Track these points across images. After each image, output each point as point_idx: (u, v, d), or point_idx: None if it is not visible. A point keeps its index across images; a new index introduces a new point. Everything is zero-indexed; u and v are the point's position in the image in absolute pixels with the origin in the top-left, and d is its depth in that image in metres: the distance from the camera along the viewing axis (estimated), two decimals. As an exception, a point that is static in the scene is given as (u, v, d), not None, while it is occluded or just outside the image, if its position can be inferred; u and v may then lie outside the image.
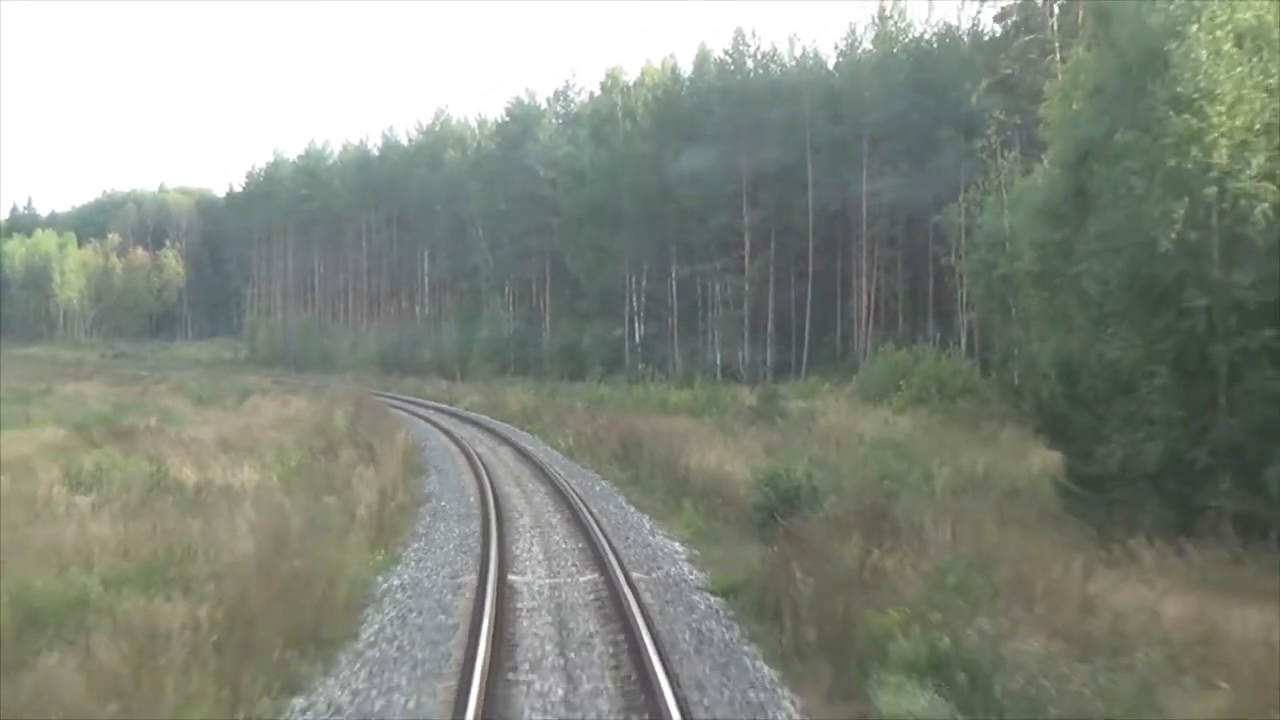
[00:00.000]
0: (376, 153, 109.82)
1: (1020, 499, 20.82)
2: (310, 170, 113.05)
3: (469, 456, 30.06)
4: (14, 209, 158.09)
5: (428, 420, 44.35)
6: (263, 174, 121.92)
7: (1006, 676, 8.46)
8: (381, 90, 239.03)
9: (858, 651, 9.91)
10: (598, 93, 79.21)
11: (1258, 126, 17.04)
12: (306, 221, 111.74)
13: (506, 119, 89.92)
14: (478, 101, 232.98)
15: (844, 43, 66.80)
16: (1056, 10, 40.59)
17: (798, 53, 68.72)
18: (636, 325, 68.73)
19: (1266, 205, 16.69)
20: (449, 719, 9.25)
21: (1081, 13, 34.64)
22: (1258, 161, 16.84)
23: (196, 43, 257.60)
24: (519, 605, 13.65)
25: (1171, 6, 18.17)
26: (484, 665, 10.36)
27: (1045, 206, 21.29)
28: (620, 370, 62.88)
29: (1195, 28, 17.61)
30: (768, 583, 12.87)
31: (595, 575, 15.18)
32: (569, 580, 15.12)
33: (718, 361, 61.01)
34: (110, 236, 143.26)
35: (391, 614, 13.22)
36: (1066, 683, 8.15)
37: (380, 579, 15.02)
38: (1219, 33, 17.46)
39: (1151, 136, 17.41)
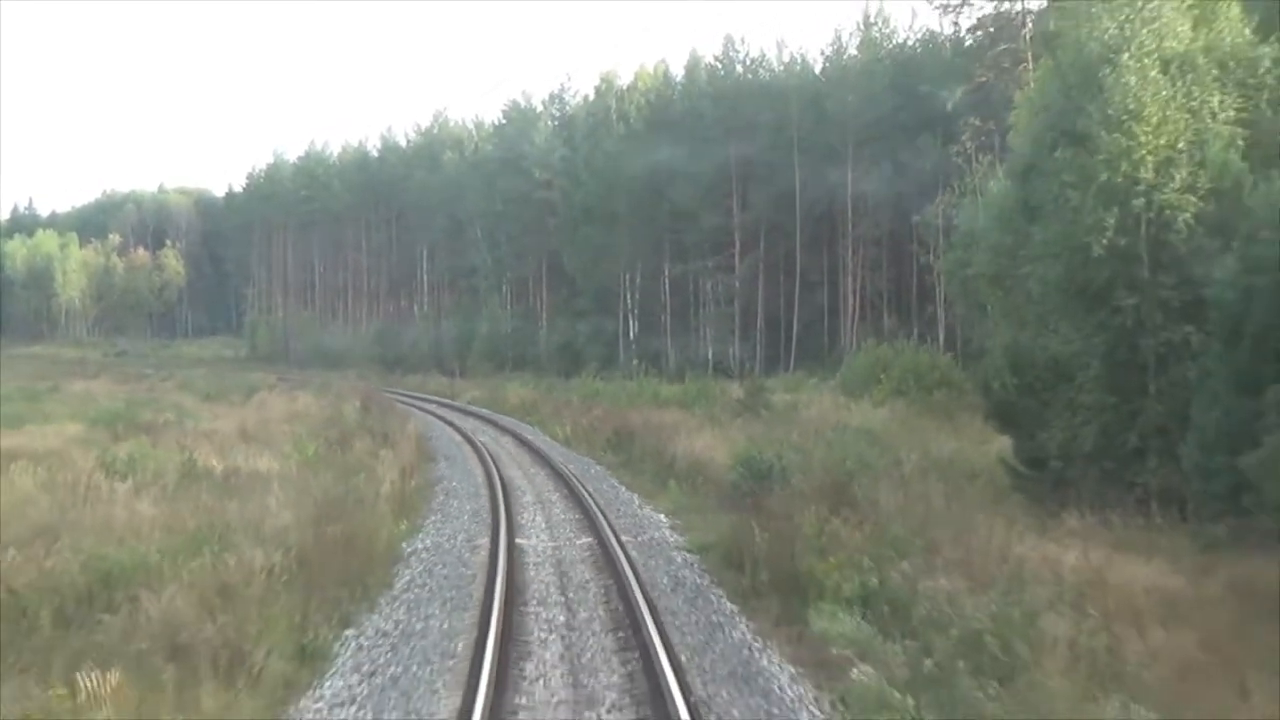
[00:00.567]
0: (375, 154, 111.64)
1: (979, 480, 22.81)
2: (310, 171, 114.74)
3: (474, 445, 32.21)
4: (15, 209, 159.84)
5: (432, 414, 46.23)
6: (263, 175, 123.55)
7: (919, 606, 10.56)
8: (380, 92, 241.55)
9: (802, 590, 12.17)
10: (592, 96, 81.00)
11: (1180, 145, 18.98)
12: (306, 221, 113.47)
13: (503, 121, 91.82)
14: (475, 104, 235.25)
15: (830, 48, 69.42)
16: (1029, 22, 42.57)
17: (785, 58, 70.71)
18: (631, 322, 70.61)
19: (1188, 215, 18.63)
20: (476, 634, 11.54)
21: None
22: (1180, 176, 18.77)
23: (194, 44, 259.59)
24: (526, 561, 16.00)
25: (1106, 35, 20.15)
26: (501, 600, 12.67)
27: (999, 213, 23.33)
28: (615, 366, 64.50)
29: (1126, 55, 19.59)
30: (734, 542, 15.35)
31: (590, 539, 17.54)
32: (568, 542, 17.52)
33: (709, 357, 62.70)
34: (111, 236, 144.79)
35: (419, 569, 15.55)
36: (964, 610, 10.25)
37: (405, 544, 17.25)
38: (1147, 59, 19.43)
39: (1087, 153, 19.42)
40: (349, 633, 11.95)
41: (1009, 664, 8.97)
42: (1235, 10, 21.05)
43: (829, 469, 19.37)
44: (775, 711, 9.51)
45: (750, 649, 11.35)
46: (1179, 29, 20.06)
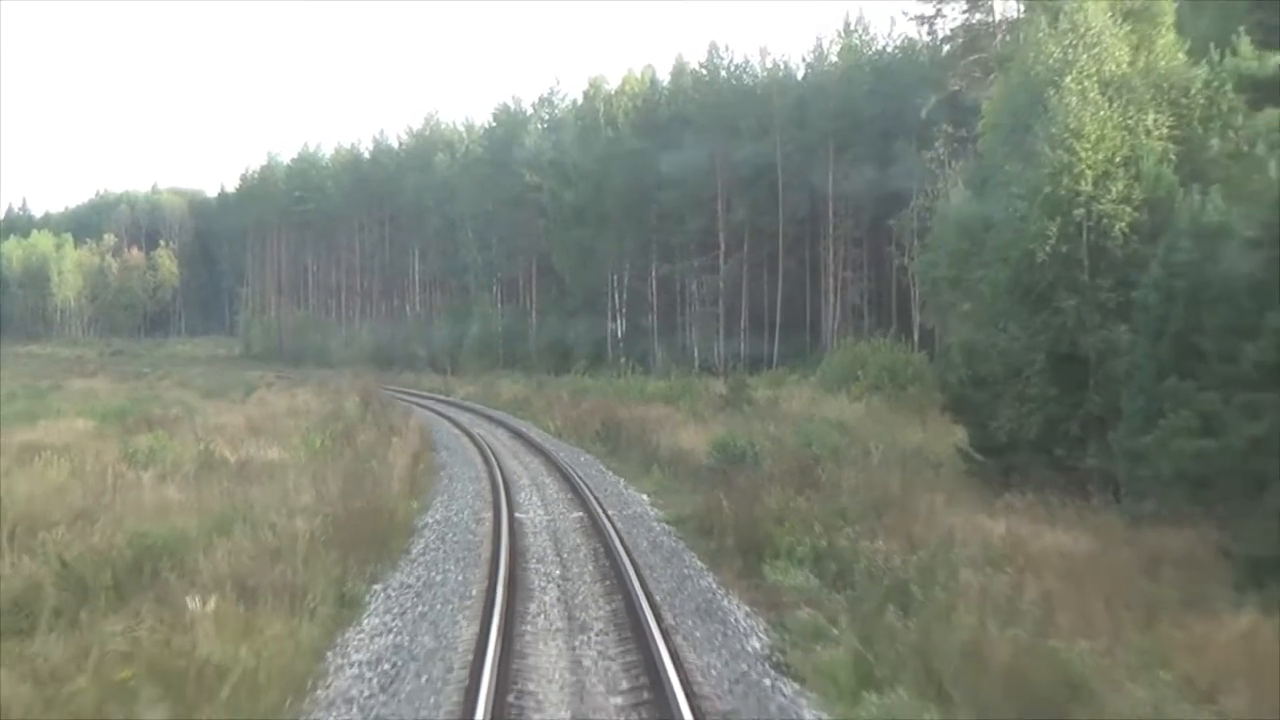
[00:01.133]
0: (368, 155, 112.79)
1: (942, 469, 24.70)
2: (303, 172, 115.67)
3: (471, 436, 34.21)
4: (9, 210, 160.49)
5: (429, 409, 48.01)
6: (256, 176, 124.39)
7: (860, 563, 12.49)
8: (372, 95, 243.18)
9: (761, 551, 14.13)
10: (580, 100, 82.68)
11: (1117, 159, 20.92)
12: (300, 222, 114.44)
13: (494, 124, 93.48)
14: (467, 106, 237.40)
15: (812, 54, 70.76)
16: (999, 33, 44.36)
17: (768, 64, 72.32)
18: (619, 321, 72.30)
19: (1124, 224, 20.58)
20: (486, 583, 13.65)
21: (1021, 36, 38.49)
22: (1117, 188, 20.70)
23: (187, 45, 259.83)
24: (525, 530, 18.17)
25: (1051, 60, 22.09)
26: (506, 559, 14.81)
27: (958, 221, 25.24)
28: (604, 364, 65.96)
29: (1069, 78, 21.54)
30: (706, 515, 17.58)
31: (580, 513, 19.70)
32: (561, 516, 19.70)
33: (695, 355, 64.49)
34: (107, 237, 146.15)
35: (432, 537, 17.66)
36: (896, 566, 12.17)
37: (417, 519, 19.32)
38: (1087, 82, 21.40)
39: (1033, 167, 21.36)
40: (377, 587, 13.99)
41: (929, 606, 10.81)
42: (1170, 36, 23.03)
43: (797, 455, 21.26)
44: (730, 634, 11.74)
45: (714, 593, 13.65)
46: (1118, 54, 22.04)
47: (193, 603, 10.14)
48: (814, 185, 61.65)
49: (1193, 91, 21.95)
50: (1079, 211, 20.68)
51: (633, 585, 13.24)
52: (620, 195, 68.77)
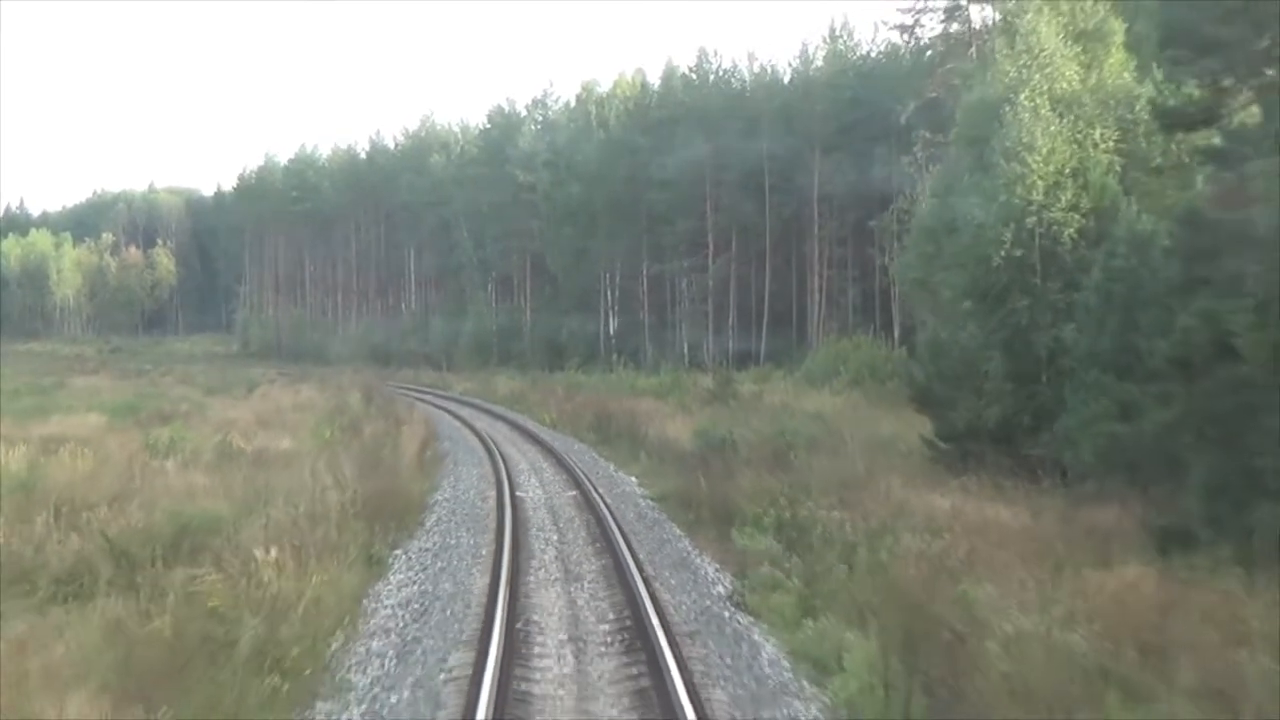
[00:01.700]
0: (364, 156, 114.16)
1: (911, 457, 26.57)
2: (300, 173, 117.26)
3: (471, 428, 36.30)
4: (7, 209, 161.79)
5: (429, 403, 49.89)
6: (254, 176, 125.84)
7: (816, 530, 14.40)
8: (369, 96, 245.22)
9: (732, 521, 16.04)
10: (573, 103, 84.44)
11: (1066, 171, 22.74)
12: (297, 221, 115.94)
13: (488, 125, 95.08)
14: (462, 108, 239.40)
15: (797, 60, 72.67)
16: (974, 44, 46.08)
17: (755, 69, 74.43)
18: (611, 319, 74.21)
19: (1072, 230, 22.40)
20: (494, 546, 15.74)
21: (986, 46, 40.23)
22: (1066, 198, 22.51)
23: (183, 45, 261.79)
24: (526, 505, 20.39)
25: (1006, 79, 23.94)
26: (511, 527, 16.91)
27: (924, 227, 27.11)
28: (596, 360, 67.68)
29: (1024, 95, 23.36)
30: (686, 492, 19.69)
31: (574, 492, 21.87)
32: (557, 494, 21.93)
33: (685, 352, 66.19)
34: (105, 236, 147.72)
35: (443, 512, 19.78)
36: (845, 530, 14.08)
37: (428, 498, 21.36)
38: (1039, 99, 23.22)
39: (990, 178, 23.20)
40: (398, 551, 16.11)
41: (874, 566, 12.68)
42: (1120, 55, 24.88)
43: (772, 443, 23.18)
44: (700, 583, 13.91)
45: (689, 553, 16.02)
46: (1068, 73, 23.87)
47: (259, 552, 12.02)
48: (800, 187, 63.57)
49: (1137, 108, 23.78)
50: (1031, 219, 22.48)
51: (619, 546, 15.38)
52: (612, 195, 70.51)
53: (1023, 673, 8.23)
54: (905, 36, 53.98)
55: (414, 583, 14.08)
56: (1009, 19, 26.54)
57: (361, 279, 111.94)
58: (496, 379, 60.90)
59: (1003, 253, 22.48)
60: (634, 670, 10.32)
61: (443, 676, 10.14)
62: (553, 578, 14.32)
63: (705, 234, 67.80)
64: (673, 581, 13.92)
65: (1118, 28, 25.69)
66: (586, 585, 13.85)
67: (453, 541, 16.86)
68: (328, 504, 15.98)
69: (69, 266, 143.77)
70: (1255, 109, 15.34)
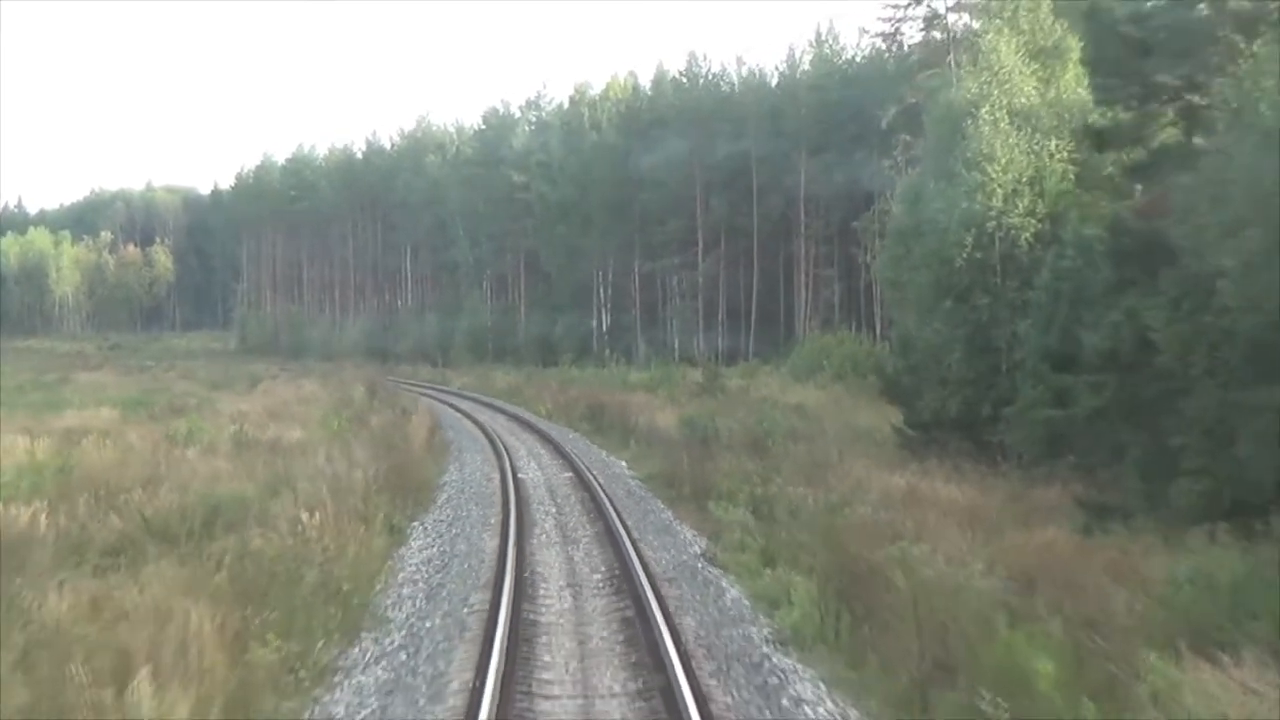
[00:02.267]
0: (361, 156, 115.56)
1: (885, 446, 28.46)
2: (297, 172, 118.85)
3: (472, 419, 38.29)
4: (6, 207, 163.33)
5: (429, 396, 51.46)
6: (252, 175, 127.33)
7: (782, 503, 16.37)
8: (365, 96, 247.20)
9: (710, 496, 18.05)
10: (566, 104, 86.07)
11: (1023, 180, 24.57)
12: (294, 220, 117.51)
13: (483, 126, 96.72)
14: (457, 108, 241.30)
15: (785, 64, 74.37)
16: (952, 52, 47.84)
17: (744, 72, 76.17)
18: (604, 316, 75.85)
19: (1029, 234, 24.26)
20: (501, 516, 17.81)
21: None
22: (1023, 204, 24.36)
23: (181, 45, 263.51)
24: (526, 484, 22.46)
25: (968, 94, 25.74)
26: (514, 502, 19.03)
27: (896, 229, 28.98)
28: (589, 356, 69.52)
29: (985, 109, 25.19)
30: (670, 473, 21.83)
31: (570, 474, 24.00)
32: (554, 475, 24.05)
33: (676, 347, 68.13)
34: (103, 234, 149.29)
35: (453, 491, 21.80)
36: (808, 503, 16.03)
37: (438, 479, 23.38)
38: (999, 113, 25.03)
39: (953, 186, 25.05)
40: (415, 523, 18.11)
41: (827, 529, 14.57)
42: (1075, 70, 26.67)
43: (753, 431, 25.13)
44: (678, 544, 16.13)
45: (670, 522, 18.31)
46: (1026, 89, 25.67)
47: (305, 515, 13.93)
48: (787, 187, 65.51)
49: (1090, 119, 25.56)
50: (991, 224, 24.33)
51: (610, 516, 17.62)
52: (604, 195, 72.37)
53: (930, 601, 10.11)
54: (887, 43, 55.82)
55: (433, 545, 16.15)
56: (972, 38, 28.32)
57: (358, 277, 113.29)
58: (494, 374, 62.60)
59: (965, 255, 24.32)
60: (621, 604, 12.44)
61: (465, 610, 12.23)
62: (553, 541, 16.50)
63: (695, 233, 69.63)
64: (655, 543, 16.09)
65: (1074, 45, 27.37)
66: (582, 546, 16.01)
67: (464, 514, 18.97)
68: (353, 480, 17.84)
69: (67, 264, 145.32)
70: (1175, 129, 17.30)
